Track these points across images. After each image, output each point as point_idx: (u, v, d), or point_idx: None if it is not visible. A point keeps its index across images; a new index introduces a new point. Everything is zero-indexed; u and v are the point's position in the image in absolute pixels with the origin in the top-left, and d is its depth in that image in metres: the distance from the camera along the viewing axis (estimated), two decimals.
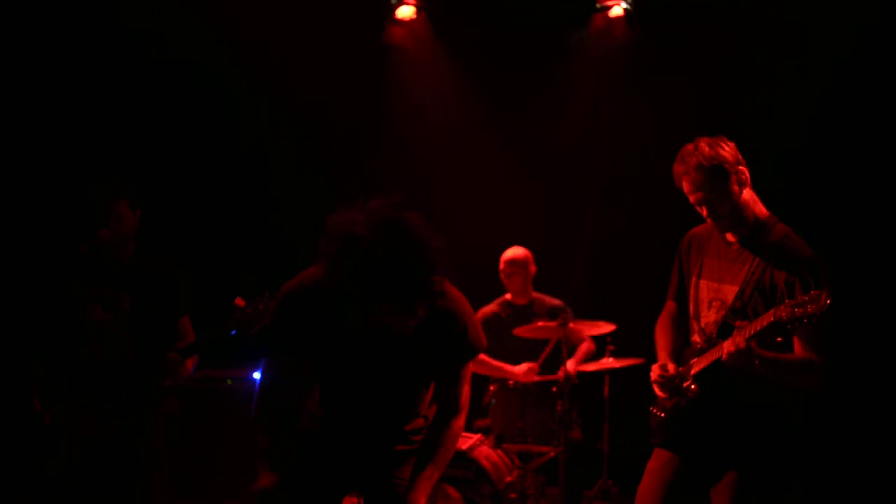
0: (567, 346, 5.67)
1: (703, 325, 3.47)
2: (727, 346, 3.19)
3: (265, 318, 3.63)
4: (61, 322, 3.95)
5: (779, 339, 3.17)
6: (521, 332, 5.80)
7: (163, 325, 4.04)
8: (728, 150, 3.38)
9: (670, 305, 3.74)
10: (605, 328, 5.78)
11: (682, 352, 3.56)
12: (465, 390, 3.10)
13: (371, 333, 2.84)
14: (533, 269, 6.13)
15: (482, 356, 5.97)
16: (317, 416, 3.18)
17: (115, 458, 3.87)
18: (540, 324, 5.79)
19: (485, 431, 5.62)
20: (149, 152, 6.27)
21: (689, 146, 3.42)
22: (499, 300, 6.23)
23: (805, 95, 5.97)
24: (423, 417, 3.23)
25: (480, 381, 6.06)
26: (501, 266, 6.14)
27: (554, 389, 5.60)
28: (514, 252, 6.14)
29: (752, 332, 3.13)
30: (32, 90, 5.92)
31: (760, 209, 3.45)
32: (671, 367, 3.46)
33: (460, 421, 3.11)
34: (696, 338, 3.50)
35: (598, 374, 5.89)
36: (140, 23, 6.13)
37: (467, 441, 5.38)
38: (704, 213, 3.42)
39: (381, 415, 3.11)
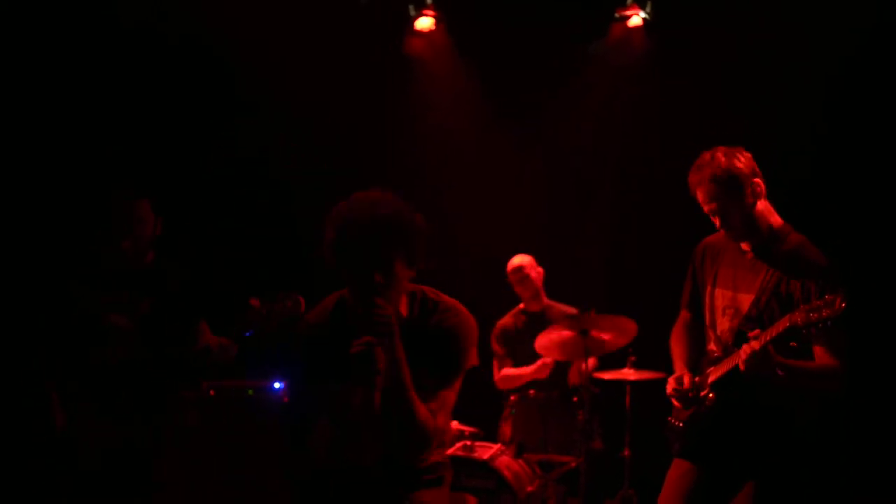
0: (586, 352, 5.65)
1: (718, 333, 3.47)
2: (744, 352, 3.18)
3: (281, 317, 3.64)
4: (77, 327, 3.96)
5: (793, 343, 3.17)
6: (541, 349, 5.78)
7: (181, 330, 4.06)
8: (744, 161, 3.39)
9: (685, 315, 3.74)
10: (625, 331, 5.73)
11: (698, 361, 3.56)
12: (441, 416, 2.92)
13: (367, 320, 2.79)
14: (539, 270, 6.13)
15: (510, 371, 5.99)
16: (326, 455, 3.06)
17: (131, 465, 3.88)
18: (563, 333, 5.76)
19: (505, 441, 5.62)
20: (164, 155, 6.27)
21: (706, 155, 3.42)
22: (513, 311, 6.24)
23: (822, 103, 5.95)
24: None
25: (498, 394, 6.07)
26: (510, 276, 6.16)
27: (575, 399, 5.59)
28: (519, 260, 6.16)
29: (769, 338, 3.12)
30: (32, 91, 5.94)
31: (775, 219, 3.45)
32: (686, 380, 3.47)
33: (431, 431, 2.90)
34: (712, 346, 3.51)
35: (620, 385, 5.87)
36: (141, 23, 6.15)
37: (488, 451, 5.38)
38: (717, 223, 3.43)
39: (389, 439, 2.95)
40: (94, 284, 4.03)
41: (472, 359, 3.03)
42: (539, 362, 5.85)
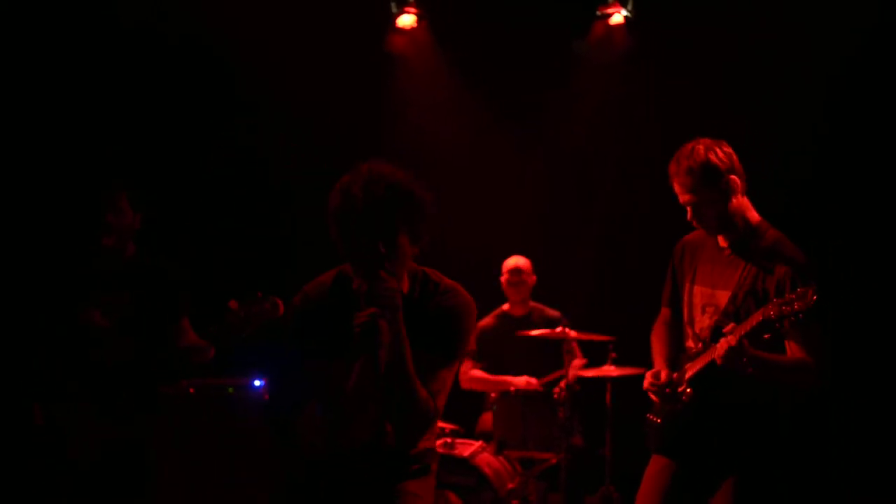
0: (567, 352, 5.68)
1: (697, 330, 3.48)
2: (721, 347, 3.20)
3: (259, 319, 3.62)
4: (61, 325, 3.94)
5: (766, 335, 3.17)
6: (522, 333, 5.79)
7: (162, 326, 4.04)
8: (723, 155, 3.39)
9: (665, 312, 3.76)
10: (601, 336, 5.78)
11: (677, 357, 3.57)
12: (441, 398, 2.88)
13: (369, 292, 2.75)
14: (534, 278, 6.15)
15: (479, 373, 5.99)
16: (315, 441, 3.00)
17: (120, 463, 3.86)
18: (541, 332, 5.79)
19: (486, 438, 5.62)
20: (147, 153, 6.25)
21: (687, 146, 3.43)
22: (496, 312, 6.23)
23: (810, 98, 5.97)
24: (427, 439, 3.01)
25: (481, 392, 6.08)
26: (505, 275, 6.15)
27: (555, 396, 5.60)
28: (518, 261, 6.15)
29: (743, 332, 3.14)
30: (31, 91, 5.91)
31: (752, 215, 3.45)
32: (663, 375, 3.47)
33: (430, 413, 2.85)
34: (690, 343, 3.52)
35: (600, 381, 5.89)
36: (141, 23, 6.13)
37: (469, 448, 5.39)
38: (690, 215, 3.43)
39: (389, 420, 2.90)
40: (72, 281, 4.01)
41: (470, 341, 3.02)
42: (525, 379, 5.85)
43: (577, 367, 5.88)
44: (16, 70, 5.86)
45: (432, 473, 3.07)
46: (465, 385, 6.06)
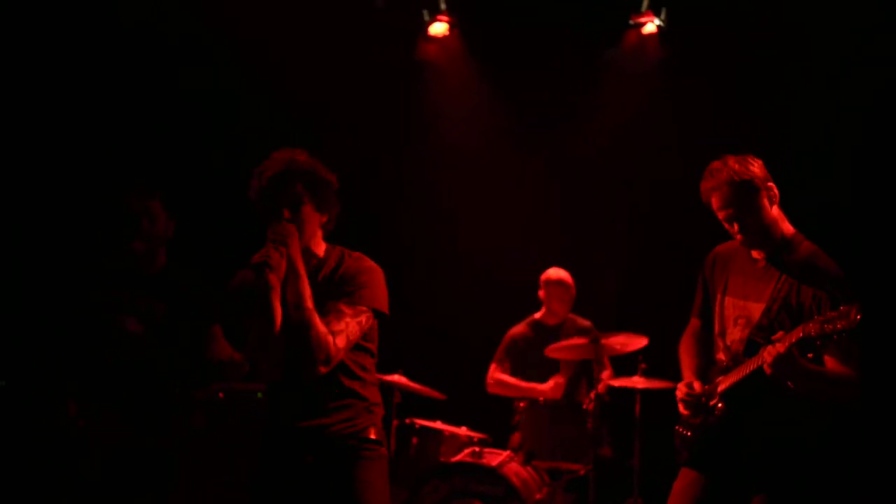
0: (597, 364, 5.66)
1: (728, 342, 3.45)
2: (767, 355, 3.14)
3: None
4: (89, 329, 3.96)
5: (809, 355, 3.14)
6: (551, 351, 5.79)
7: (194, 335, 4.05)
8: (756, 166, 3.37)
9: (695, 323, 3.72)
10: (637, 342, 5.74)
11: (707, 370, 3.54)
12: (341, 338, 3.10)
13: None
14: (575, 291, 6.13)
15: (506, 377, 5.98)
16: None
17: (144, 468, 3.88)
18: (572, 341, 5.77)
19: (515, 448, 5.60)
20: (174, 157, 6.28)
21: (717, 163, 3.40)
22: (528, 320, 6.22)
23: (838, 107, 5.92)
24: (359, 399, 3.22)
25: (508, 400, 6.06)
26: (550, 287, 6.13)
27: (585, 407, 5.57)
28: (562, 273, 6.14)
29: (792, 342, 3.08)
30: (36, 93, 5.95)
31: (787, 227, 3.43)
32: (697, 386, 3.45)
33: (329, 348, 3.07)
34: (721, 355, 3.48)
35: (630, 392, 5.85)
36: (141, 24, 6.16)
37: (497, 457, 5.37)
38: (735, 229, 3.40)
39: (302, 366, 3.12)
40: (106, 287, 4.03)
41: (379, 300, 3.23)
42: (552, 381, 5.84)
43: (605, 379, 5.85)
44: (19, 71, 5.89)
45: (383, 457, 3.25)
46: (490, 389, 6.05)
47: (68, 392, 3.95)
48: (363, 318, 3.16)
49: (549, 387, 5.81)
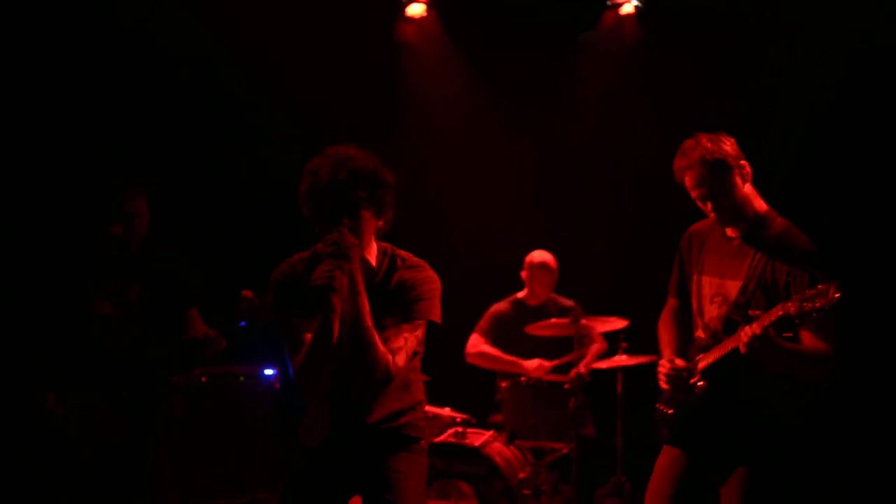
0: (578, 343, 5.69)
1: (706, 320, 3.47)
2: (743, 336, 3.17)
3: (270, 309, 3.66)
4: (68, 316, 3.93)
5: (788, 333, 3.17)
6: (533, 329, 5.81)
7: (171, 317, 4.03)
8: (729, 144, 3.40)
9: (672, 302, 3.75)
10: (618, 324, 5.78)
11: (686, 348, 3.56)
12: (401, 356, 3.05)
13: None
14: (556, 275, 6.16)
15: (491, 349, 5.99)
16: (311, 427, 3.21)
17: (124, 455, 3.87)
18: (552, 321, 5.80)
19: (497, 428, 5.62)
20: (158, 145, 6.25)
21: (690, 141, 3.43)
22: (510, 298, 6.23)
23: (819, 89, 5.95)
24: (406, 395, 3.20)
25: (490, 378, 6.07)
26: (533, 269, 6.14)
27: (567, 386, 5.60)
28: (545, 256, 6.15)
29: (768, 322, 3.11)
30: (34, 88, 5.91)
31: (760, 204, 3.45)
32: (679, 362, 3.47)
33: (388, 368, 3.01)
34: (699, 333, 3.50)
35: (611, 371, 5.89)
36: (141, 24, 6.12)
37: (480, 437, 5.39)
38: (708, 207, 3.42)
39: (358, 383, 3.09)
40: (81, 271, 4.00)
41: (435, 312, 3.16)
42: (536, 361, 5.86)
43: (595, 353, 5.89)
44: (18, 68, 5.85)
45: (423, 451, 3.24)
46: (470, 359, 6.05)
47: (45, 379, 3.92)
48: (420, 332, 3.11)
49: (532, 365, 5.83)
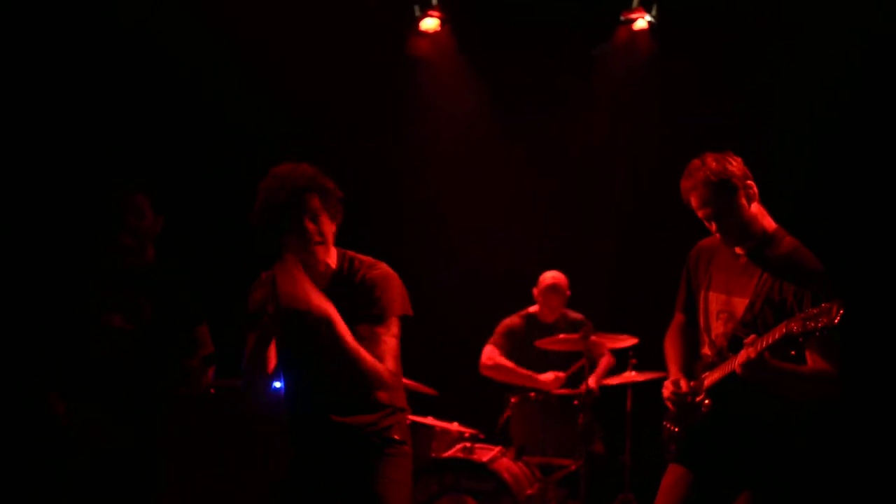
0: (588, 359, 5.67)
1: (712, 337, 3.46)
2: (740, 358, 3.17)
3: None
4: (75, 325, 3.93)
5: (792, 352, 3.15)
6: (543, 343, 5.80)
7: (181, 333, 4.02)
8: (735, 164, 3.37)
9: (679, 318, 3.74)
10: (627, 341, 5.77)
11: (692, 364, 3.55)
12: (388, 359, 3.16)
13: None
14: (568, 294, 6.15)
15: (506, 362, 5.98)
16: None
17: (127, 465, 3.86)
18: (563, 336, 5.79)
19: (505, 444, 5.61)
20: (166, 155, 6.27)
21: (696, 161, 3.41)
22: (522, 312, 6.23)
23: (830, 106, 5.94)
24: (379, 396, 3.25)
25: (500, 393, 6.06)
26: (541, 290, 6.15)
27: (576, 402, 5.58)
28: (556, 278, 6.16)
29: (765, 345, 3.10)
30: (34, 90, 5.92)
31: (769, 222, 3.43)
32: (683, 384, 3.46)
33: (385, 374, 3.14)
34: (706, 350, 3.49)
35: (621, 388, 5.87)
36: (141, 24, 6.13)
37: (488, 453, 5.38)
38: (713, 227, 3.41)
39: (331, 386, 3.20)
40: (93, 282, 4.00)
41: (404, 306, 3.26)
42: (552, 374, 5.85)
43: (605, 367, 5.87)
44: (17, 68, 5.88)
45: (408, 455, 3.30)
46: (485, 371, 6.04)
47: (55, 390, 3.92)
48: (395, 329, 3.21)
49: (548, 378, 5.82)
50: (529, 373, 5.91)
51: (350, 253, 3.34)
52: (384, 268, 3.29)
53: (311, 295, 3.07)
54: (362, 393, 3.18)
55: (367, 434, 3.21)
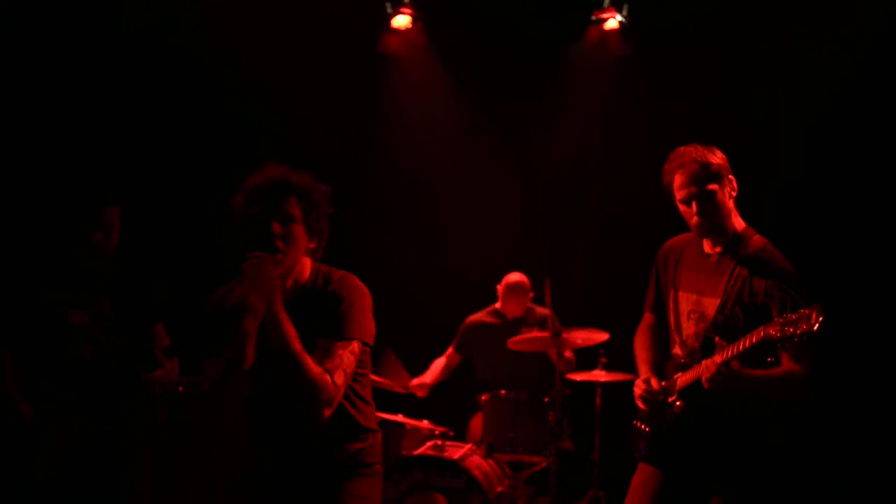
0: (558, 357, 5.69)
1: (683, 337, 3.46)
2: (707, 370, 3.17)
3: None
4: (42, 324, 3.92)
5: (769, 359, 3.17)
6: (514, 344, 5.81)
7: (141, 328, 4.04)
8: (720, 157, 3.40)
9: (648, 317, 3.75)
10: (598, 336, 5.78)
11: (663, 364, 3.56)
12: (338, 374, 2.93)
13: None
14: (531, 294, 6.18)
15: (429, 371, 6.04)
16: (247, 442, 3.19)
17: (100, 461, 3.85)
18: (533, 334, 5.80)
19: (476, 441, 5.62)
20: (140, 155, 6.23)
21: (681, 148, 3.42)
22: (489, 308, 6.26)
23: (804, 104, 5.98)
24: (356, 423, 3.11)
25: (471, 393, 6.08)
26: (503, 289, 6.19)
27: (545, 400, 5.60)
28: (521, 278, 6.21)
29: (734, 353, 3.11)
30: (27, 91, 5.89)
31: (738, 221, 3.44)
32: (654, 383, 3.46)
33: (328, 388, 2.90)
34: (677, 350, 3.50)
35: (590, 385, 5.89)
36: (141, 25, 6.11)
37: (458, 450, 5.39)
38: (694, 209, 3.37)
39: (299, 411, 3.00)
40: (53, 281, 4.00)
41: (366, 332, 3.07)
42: (416, 381, 6.02)
43: (568, 359, 5.89)
44: (19, 72, 5.84)
45: (379, 475, 3.17)
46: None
47: (20, 390, 3.89)
48: (356, 349, 3.01)
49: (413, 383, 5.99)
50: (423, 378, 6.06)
51: (325, 268, 3.15)
52: (357, 285, 3.11)
53: (268, 293, 2.85)
54: (305, 401, 2.94)
55: (337, 460, 3.07)
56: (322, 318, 3.00)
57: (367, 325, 3.07)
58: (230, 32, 6.14)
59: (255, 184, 3.03)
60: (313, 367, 2.87)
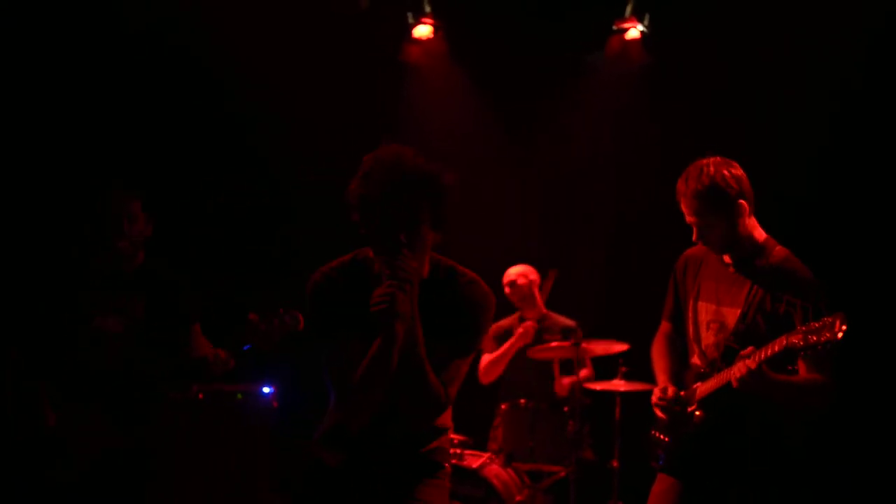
0: (578, 365, 5.68)
1: (703, 347, 3.45)
2: (736, 371, 3.15)
3: (279, 333, 3.68)
4: (67, 329, 3.93)
5: (789, 367, 3.15)
6: (534, 353, 5.80)
7: (174, 332, 4.03)
8: (731, 178, 3.34)
9: (665, 326, 3.73)
10: (618, 347, 5.77)
11: (681, 374, 3.55)
12: (454, 387, 2.84)
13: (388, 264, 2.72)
14: (535, 279, 6.14)
15: (492, 354, 6.01)
16: (334, 440, 2.95)
17: (121, 468, 3.86)
18: (553, 344, 5.80)
19: (494, 451, 5.61)
20: (164, 159, 6.27)
21: (697, 165, 3.39)
22: (516, 314, 6.25)
23: (822, 116, 5.96)
24: (439, 420, 2.96)
25: (490, 402, 6.07)
26: (505, 290, 6.17)
27: (565, 409, 5.59)
28: (510, 272, 6.20)
29: (764, 357, 3.09)
30: (33, 92, 5.93)
31: (759, 233, 3.42)
32: (671, 391, 3.45)
33: (443, 400, 2.81)
34: (696, 360, 3.48)
35: (610, 394, 5.88)
36: (144, 26, 6.14)
37: (477, 460, 5.39)
38: (694, 237, 3.42)
39: (399, 406, 2.84)
40: (85, 286, 4.00)
41: (486, 336, 2.98)
42: (520, 328, 5.87)
43: (583, 378, 5.88)
44: (20, 72, 5.87)
45: (447, 476, 3.03)
46: (484, 378, 6.03)
47: (45, 396, 3.91)
48: (471, 358, 2.91)
49: (517, 336, 5.92)
50: (501, 348, 5.95)
51: (445, 261, 2.95)
52: (481, 287, 2.92)
53: (406, 319, 2.70)
54: (415, 412, 2.83)
55: (413, 458, 2.92)
56: (443, 320, 2.82)
57: (486, 332, 2.97)
58: (230, 32, 6.15)
59: (378, 176, 2.76)
60: (431, 376, 2.76)
